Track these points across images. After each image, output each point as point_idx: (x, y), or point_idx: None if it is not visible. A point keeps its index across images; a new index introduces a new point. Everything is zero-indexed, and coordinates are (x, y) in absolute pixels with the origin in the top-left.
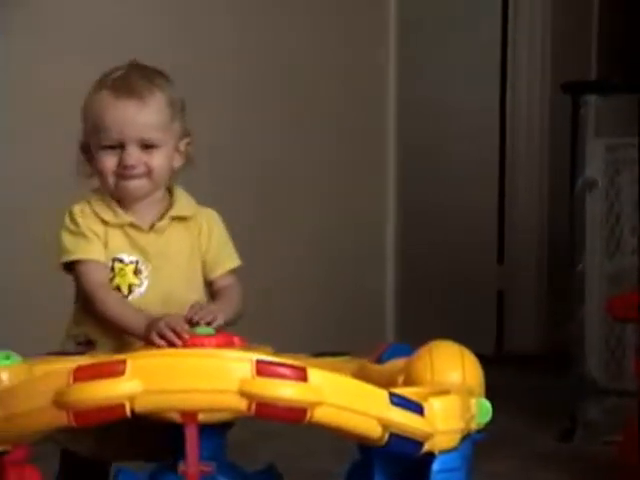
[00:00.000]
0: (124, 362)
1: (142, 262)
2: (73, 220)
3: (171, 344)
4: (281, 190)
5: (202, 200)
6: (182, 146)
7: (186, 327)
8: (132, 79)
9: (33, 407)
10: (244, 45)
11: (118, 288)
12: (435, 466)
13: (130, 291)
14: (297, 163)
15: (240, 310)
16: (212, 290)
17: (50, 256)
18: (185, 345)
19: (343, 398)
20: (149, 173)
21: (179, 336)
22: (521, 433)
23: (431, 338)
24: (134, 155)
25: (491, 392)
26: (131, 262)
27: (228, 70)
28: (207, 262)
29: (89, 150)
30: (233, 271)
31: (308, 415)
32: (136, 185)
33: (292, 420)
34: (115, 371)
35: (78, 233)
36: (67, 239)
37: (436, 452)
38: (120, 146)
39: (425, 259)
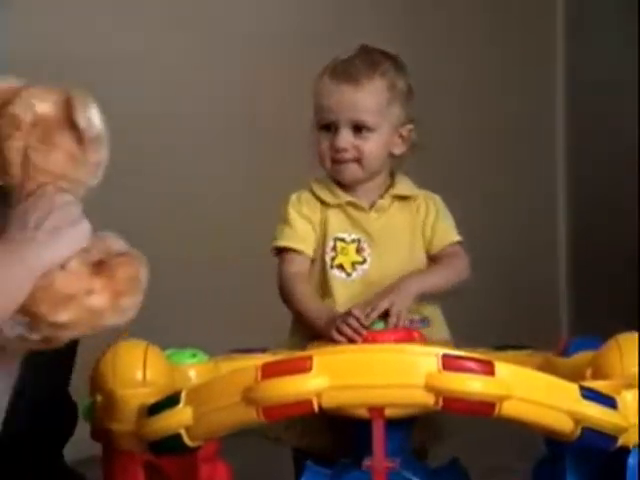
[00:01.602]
0: (310, 358)
1: (364, 240)
2: (285, 208)
3: (350, 340)
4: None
5: None
6: (404, 132)
7: (368, 321)
8: (353, 63)
9: (223, 404)
10: None
11: (341, 266)
12: (631, 460)
13: (353, 269)
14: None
15: (460, 277)
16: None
17: None
18: (365, 341)
19: (532, 392)
20: (360, 159)
21: (357, 332)
22: None
23: (607, 333)
24: (346, 138)
25: None
26: (353, 241)
27: None
28: (428, 238)
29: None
30: (456, 244)
31: (497, 409)
32: (348, 170)
33: (481, 414)
34: (302, 367)
35: (286, 221)
36: (278, 226)
37: (631, 446)
38: (334, 128)
39: (599, 251)
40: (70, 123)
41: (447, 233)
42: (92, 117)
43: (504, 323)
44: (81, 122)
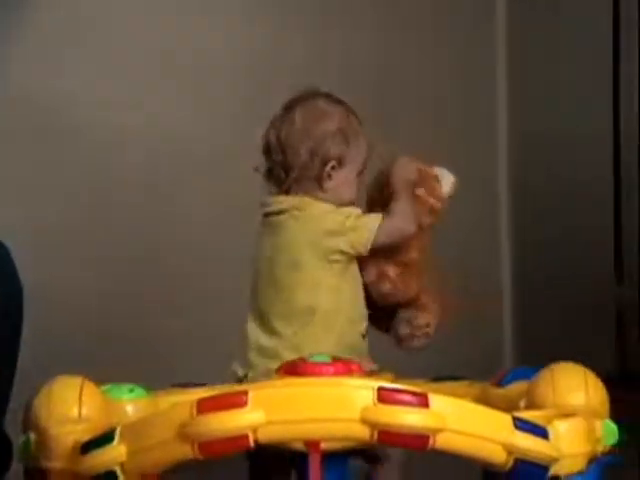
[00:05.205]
0: (246, 393)
1: None
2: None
3: None
4: None
5: None
6: None
7: None
8: None
9: (158, 440)
10: None
11: None
12: None
13: None
14: None
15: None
16: None
17: None
18: (303, 374)
19: (466, 423)
20: None
21: None
22: None
23: (550, 361)
24: None
25: (616, 414)
26: None
27: None
28: None
29: None
30: None
31: (431, 442)
32: None
33: (415, 447)
34: (238, 402)
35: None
36: (359, 229)
37: (562, 477)
38: None
39: (542, 283)
40: None
41: None
42: None
43: (449, 352)
44: None
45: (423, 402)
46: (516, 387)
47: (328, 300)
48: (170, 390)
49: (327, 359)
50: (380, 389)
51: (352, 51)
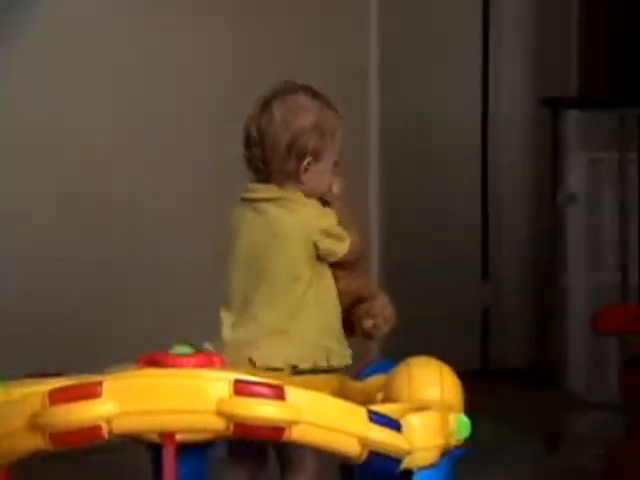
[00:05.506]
0: (100, 384)
1: None
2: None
3: None
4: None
5: None
6: None
7: None
8: None
9: (9, 430)
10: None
11: None
12: None
13: None
14: None
15: None
16: None
17: None
18: (164, 365)
19: (321, 416)
20: None
21: None
22: (508, 448)
23: (416, 355)
24: None
25: (477, 408)
26: None
27: None
28: None
29: None
30: None
31: (286, 434)
32: None
33: (271, 438)
34: (91, 393)
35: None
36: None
37: (414, 469)
38: None
39: (409, 277)
40: None
41: None
42: None
43: None
44: None
45: (279, 394)
46: (374, 381)
47: (310, 289)
48: (24, 380)
49: (189, 351)
50: (236, 381)
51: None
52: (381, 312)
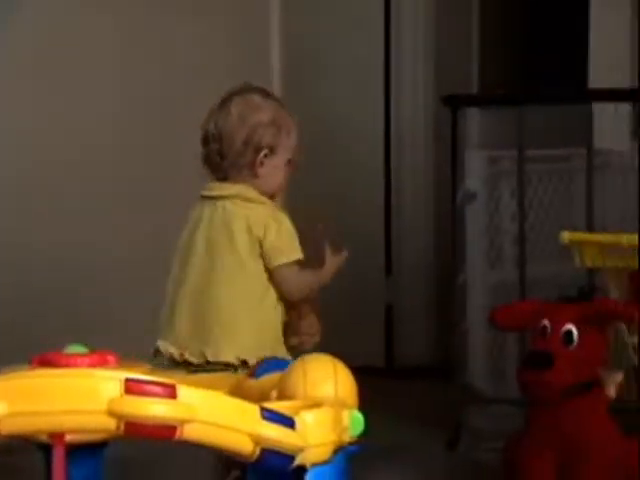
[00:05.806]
0: None
1: None
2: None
3: None
4: None
5: None
6: None
7: None
8: None
9: None
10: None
11: None
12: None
13: None
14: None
15: None
16: None
17: None
18: (57, 365)
19: (213, 414)
20: None
21: None
22: (410, 443)
23: (318, 352)
24: None
25: (381, 404)
26: None
27: None
28: None
29: None
30: None
31: (178, 432)
32: None
33: (162, 437)
34: None
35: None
36: (294, 242)
37: (308, 466)
38: None
39: None
40: None
41: None
42: None
43: None
44: None
45: (171, 393)
46: (269, 379)
47: (257, 283)
48: None
49: (83, 350)
50: (127, 380)
51: None
52: (307, 331)
